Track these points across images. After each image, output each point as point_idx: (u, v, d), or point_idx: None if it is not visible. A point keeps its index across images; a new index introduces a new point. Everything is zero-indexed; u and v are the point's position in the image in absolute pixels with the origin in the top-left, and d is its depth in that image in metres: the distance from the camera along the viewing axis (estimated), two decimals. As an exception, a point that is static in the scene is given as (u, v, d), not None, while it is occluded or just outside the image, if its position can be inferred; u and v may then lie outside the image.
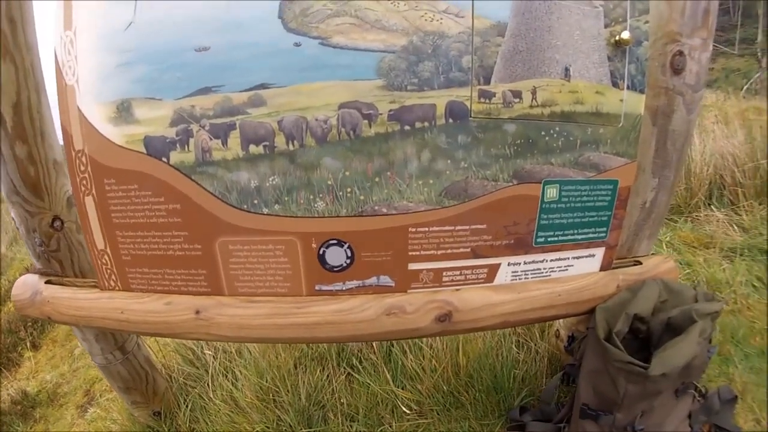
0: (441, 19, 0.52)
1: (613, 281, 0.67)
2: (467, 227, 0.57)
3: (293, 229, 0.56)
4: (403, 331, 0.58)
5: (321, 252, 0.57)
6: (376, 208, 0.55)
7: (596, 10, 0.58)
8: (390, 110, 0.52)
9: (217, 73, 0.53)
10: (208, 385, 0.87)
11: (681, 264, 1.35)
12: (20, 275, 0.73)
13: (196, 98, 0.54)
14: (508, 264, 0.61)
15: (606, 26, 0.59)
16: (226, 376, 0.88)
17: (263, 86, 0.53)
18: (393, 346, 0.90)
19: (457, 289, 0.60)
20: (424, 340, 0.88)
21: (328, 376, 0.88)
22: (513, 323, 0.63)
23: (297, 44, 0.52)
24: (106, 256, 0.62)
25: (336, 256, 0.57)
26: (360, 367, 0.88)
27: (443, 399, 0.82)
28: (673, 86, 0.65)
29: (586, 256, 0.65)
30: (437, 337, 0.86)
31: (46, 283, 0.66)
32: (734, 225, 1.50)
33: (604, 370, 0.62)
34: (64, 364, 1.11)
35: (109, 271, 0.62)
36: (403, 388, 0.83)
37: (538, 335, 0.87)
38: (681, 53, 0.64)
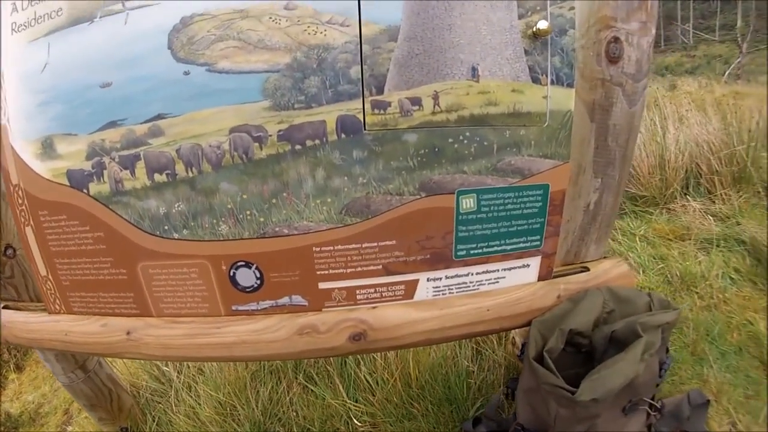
0: (325, 30, 0.50)
1: (553, 291, 0.62)
2: (375, 244, 0.55)
3: (203, 253, 0.57)
4: (318, 350, 0.58)
5: (231, 273, 0.58)
6: (277, 229, 0.54)
7: (507, 0, 0.53)
8: (279, 131, 0.51)
9: (120, 107, 0.56)
10: (172, 400, 0.92)
11: (654, 258, 1.25)
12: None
13: (105, 132, 0.57)
14: (428, 279, 0.59)
15: (520, 17, 0.54)
16: (189, 392, 0.92)
17: (160, 117, 0.54)
18: (348, 357, 0.89)
19: (374, 307, 0.59)
20: (378, 352, 0.87)
21: (284, 388, 0.89)
22: (437, 340, 0.60)
23: (186, 73, 0.52)
24: (49, 282, 0.67)
25: (246, 277, 0.58)
26: (316, 378, 0.89)
27: (395, 411, 0.81)
28: (611, 77, 0.59)
29: (520, 267, 0.61)
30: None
31: (3, 308, 0.72)
32: (710, 215, 1.37)
33: (538, 390, 0.58)
34: (45, 385, 1.22)
35: (53, 295, 0.67)
36: (356, 401, 0.83)
37: (495, 343, 0.83)
38: (617, 40, 0.58)
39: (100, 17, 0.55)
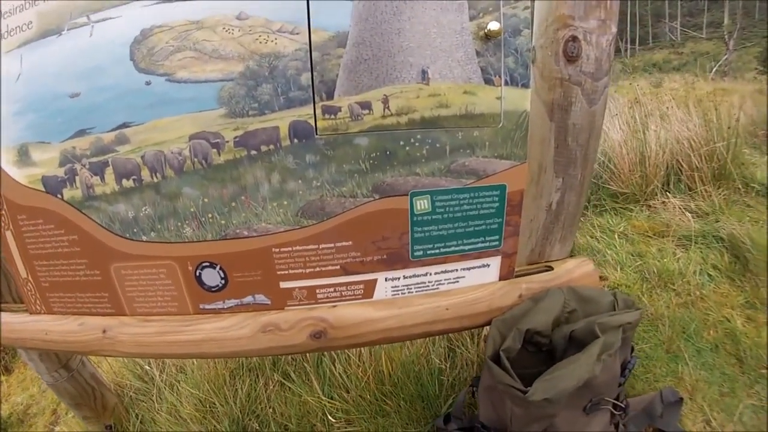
0: (275, 39, 0.55)
1: (514, 291, 0.67)
2: (332, 245, 0.61)
3: (169, 254, 0.64)
4: (281, 347, 0.65)
5: (197, 274, 0.65)
6: (238, 231, 0.61)
7: (458, 2, 0.58)
8: (235, 137, 0.57)
9: (88, 116, 0.62)
10: (154, 398, 1.00)
11: (633, 255, 1.29)
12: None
13: (75, 140, 0.64)
14: (386, 279, 0.64)
15: (472, 18, 0.59)
16: (171, 390, 1.01)
17: (125, 125, 0.61)
18: (324, 354, 0.96)
19: (334, 306, 0.65)
20: (353, 350, 0.93)
21: (262, 385, 0.97)
22: (396, 339, 0.66)
23: (148, 83, 0.59)
24: (29, 284, 0.75)
25: (211, 277, 0.65)
26: (293, 376, 0.96)
27: (369, 407, 0.87)
28: (569, 76, 0.63)
29: (479, 267, 0.66)
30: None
31: None
32: (690, 212, 1.40)
33: (496, 388, 0.63)
34: (33, 386, 1.33)
35: (33, 296, 0.75)
36: (331, 398, 0.90)
37: (468, 340, 0.89)
38: (575, 38, 0.62)
39: (68, 30, 0.62)
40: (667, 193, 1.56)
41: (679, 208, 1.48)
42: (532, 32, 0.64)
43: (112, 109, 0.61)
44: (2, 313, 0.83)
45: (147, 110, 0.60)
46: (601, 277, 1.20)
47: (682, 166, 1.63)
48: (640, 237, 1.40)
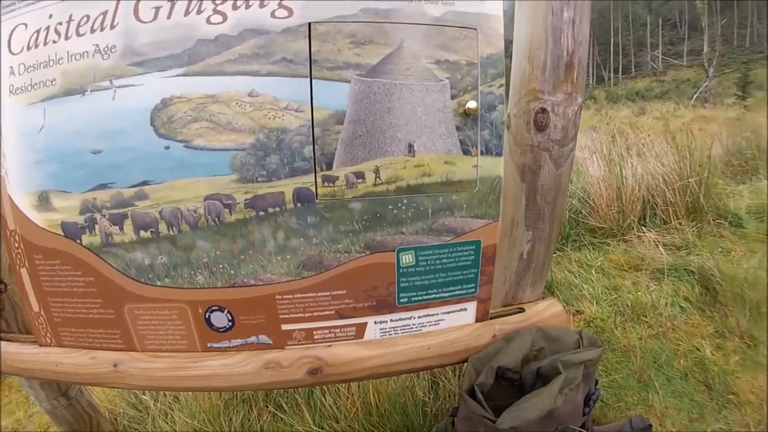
0: (282, 115, 0.67)
1: (489, 331, 0.80)
2: (328, 293, 0.73)
3: (182, 298, 0.75)
4: (281, 382, 0.76)
5: (207, 316, 0.76)
6: (245, 280, 0.72)
7: (441, 83, 0.71)
8: (245, 199, 0.69)
9: (109, 172, 0.73)
10: (149, 427, 1.10)
11: (608, 289, 1.45)
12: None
13: (96, 192, 0.74)
14: (375, 322, 0.76)
15: (453, 97, 0.71)
16: (165, 419, 1.11)
17: (145, 183, 0.72)
18: (315, 386, 1.07)
19: (329, 345, 0.76)
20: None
21: (255, 416, 1.08)
22: (383, 374, 0.78)
23: (167, 147, 0.70)
24: (41, 317, 0.85)
25: (219, 319, 0.76)
26: (285, 407, 1.07)
27: (358, 438, 0.98)
28: (538, 143, 0.76)
29: (458, 311, 0.79)
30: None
31: None
32: (664, 245, 1.58)
33: (471, 418, 0.76)
34: (19, 410, 1.41)
35: (44, 329, 0.85)
36: (322, 428, 1.01)
37: (451, 374, 1.01)
38: (544, 110, 0.75)
39: (91, 91, 0.73)
40: (643, 227, 1.74)
41: (654, 242, 1.65)
42: (506, 103, 0.77)
43: (133, 168, 0.72)
44: (11, 343, 0.92)
45: (166, 172, 0.71)
46: (577, 311, 1.34)
47: (657, 200, 1.81)
48: (616, 271, 1.56)
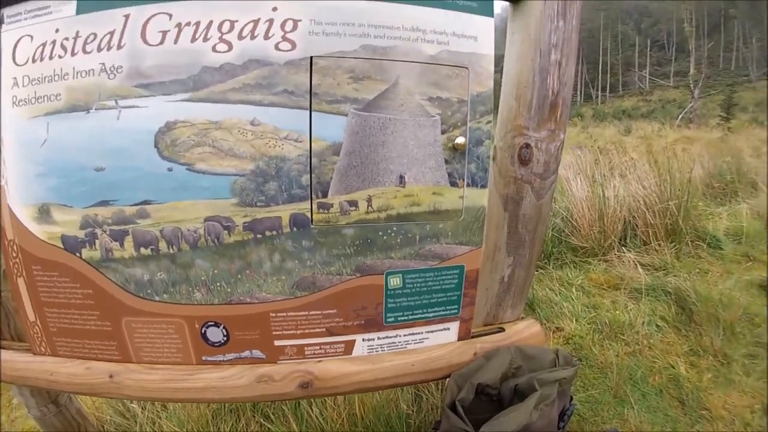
0: (282, 145, 0.72)
1: (470, 349, 0.86)
2: (319, 312, 0.78)
3: (179, 314, 0.79)
4: (273, 395, 0.81)
5: (203, 331, 0.80)
6: (241, 298, 0.77)
7: (433, 119, 0.76)
8: (244, 222, 0.73)
9: (111, 190, 0.76)
10: None
11: (588, 307, 1.53)
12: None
13: (97, 208, 0.78)
14: (363, 339, 0.82)
15: (444, 132, 0.77)
16: (153, 426, 1.14)
17: (146, 202, 0.75)
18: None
19: (319, 361, 0.81)
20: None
21: (243, 426, 1.12)
22: (370, 388, 0.84)
23: (170, 169, 0.74)
24: (36, 327, 0.88)
25: (215, 334, 0.80)
26: (272, 417, 1.11)
27: (343, 448, 1.04)
28: (521, 176, 0.82)
29: (441, 330, 0.85)
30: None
31: None
32: (643, 266, 1.68)
33: (452, 431, 0.82)
34: (2, 415, 1.41)
35: (39, 339, 0.88)
36: (308, 438, 1.05)
37: (434, 388, 1.07)
38: (528, 146, 0.81)
39: (96, 109, 0.76)
40: (624, 248, 1.85)
41: (634, 262, 1.75)
42: (493, 138, 0.83)
43: (136, 187, 0.76)
44: (5, 351, 0.94)
45: (168, 192, 0.75)
46: (557, 328, 1.42)
47: (638, 222, 1.93)
48: (596, 289, 1.66)
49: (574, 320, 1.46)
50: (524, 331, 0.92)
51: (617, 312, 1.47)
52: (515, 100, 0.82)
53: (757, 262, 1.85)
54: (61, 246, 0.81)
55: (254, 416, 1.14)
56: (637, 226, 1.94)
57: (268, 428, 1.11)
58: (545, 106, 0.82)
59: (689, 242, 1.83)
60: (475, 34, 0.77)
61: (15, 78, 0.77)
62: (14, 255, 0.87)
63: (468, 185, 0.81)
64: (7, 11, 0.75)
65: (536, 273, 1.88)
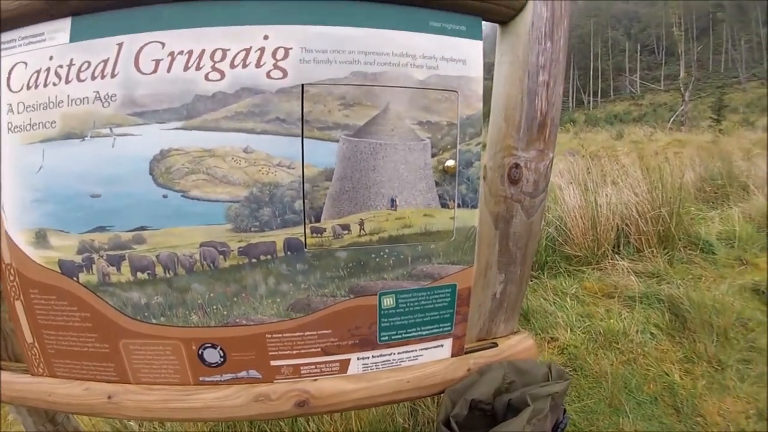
0: (275, 171, 0.74)
1: (464, 365, 0.88)
2: (315, 333, 0.80)
3: (176, 336, 0.81)
4: (269, 414, 0.83)
5: (200, 352, 0.82)
6: (237, 320, 0.79)
7: (423, 143, 0.78)
8: (239, 247, 0.76)
9: (108, 216, 0.78)
10: None
11: (582, 317, 1.57)
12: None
13: (94, 234, 0.79)
14: (358, 358, 0.84)
15: (434, 155, 0.79)
16: None
17: (143, 228, 0.77)
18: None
19: (315, 380, 0.84)
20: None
21: None
22: (365, 406, 0.86)
23: (165, 196, 0.76)
24: (34, 349, 0.90)
25: (212, 355, 0.82)
26: (270, 430, 1.14)
27: (341, 461, 1.06)
28: (511, 195, 0.85)
29: (435, 347, 0.88)
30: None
31: None
32: (636, 273, 1.73)
33: (445, 446, 0.84)
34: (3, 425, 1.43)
35: (37, 360, 0.90)
36: (306, 453, 1.08)
37: (430, 401, 1.09)
38: (517, 165, 0.84)
39: (91, 137, 0.78)
40: (617, 256, 1.90)
41: (627, 270, 1.79)
42: (482, 159, 0.85)
43: (132, 213, 0.78)
44: (3, 371, 0.96)
45: (163, 219, 0.77)
46: (552, 338, 1.45)
47: (630, 229, 1.97)
48: (590, 298, 1.70)
49: (568, 330, 1.50)
50: (517, 345, 0.94)
51: (611, 320, 1.50)
52: (504, 121, 0.84)
53: (750, 266, 1.89)
54: (59, 270, 0.83)
55: (251, 431, 1.16)
56: (630, 233, 2.00)
57: (267, 444, 1.13)
58: (534, 127, 0.84)
59: (682, 248, 1.89)
60: (463, 58, 0.80)
61: (10, 104, 0.78)
62: (11, 278, 0.88)
63: (459, 206, 0.83)
64: (3, 37, 0.77)
65: (531, 283, 1.93)
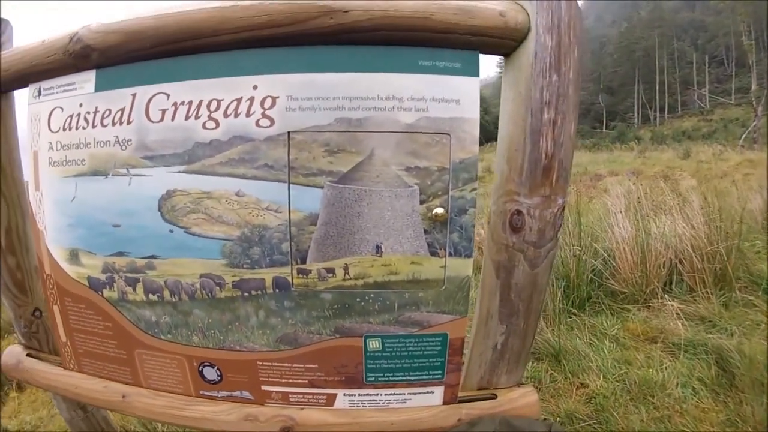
0: (264, 214, 1.21)
1: (455, 414, 1.32)
2: (302, 365, 1.30)
3: (180, 352, 1.39)
4: (260, 433, 1.38)
5: (200, 369, 1.39)
6: (232, 345, 1.32)
7: (410, 189, 1.18)
8: (233, 281, 1.26)
9: (125, 243, 1.35)
10: None
11: (619, 363, 1.83)
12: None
13: (114, 258, 1.38)
14: (344, 394, 1.33)
15: (423, 202, 1.18)
16: None
17: (153, 257, 1.33)
18: None
19: (302, 409, 1.35)
20: None
21: None
22: (347, 440, 1.35)
23: (171, 231, 1.29)
24: (67, 347, 1.57)
25: (210, 373, 1.38)
26: None
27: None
28: (513, 243, 1.21)
29: (425, 393, 1.32)
30: None
31: (27, 355, 1.67)
32: (686, 316, 1.88)
33: (425, 490, 1.31)
34: (43, 409, 2.31)
35: (69, 357, 1.57)
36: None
37: None
38: (519, 212, 1.19)
39: (112, 175, 1.33)
40: (667, 295, 2.08)
41: (676, 312, 1.99)
42: (476, 206, 1.20)
43: (144, 243, 1.33)
44: (40, 362, 1.68)
45: (170, 250, 1.31)
46: (582, 384, 1.74)
47: (683, 265, 2.13)
48: (631, 341, 1.96)
49: (601, 377, 1.78)
50: (518, 399, 1.33)
51: (650, 370, 1.75)
52: (506, 163, 1.17)
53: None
54: (87, 285, 1.45)
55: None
56: (683, 270, 2.18)
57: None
58: (537, 171, 1.15)
59: (741, 288, 2.01)
60: (457, 97, 1.13)
61: (50, 143, 1.38)
62: (51, 287, 1.55)
63: (450, 255, 1.21)
64: (44, 84, 1.35)
65: (568, 320, 2.22)
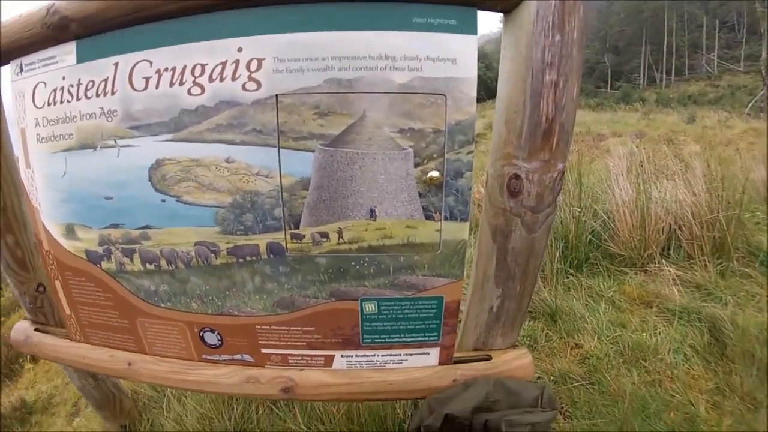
0: (255, 180, 1.20)
1: (450, 375, 1.34)
2: (299, 328, 1.32)
3: (181, 319, 1.40)
4: (259, 395, 1.42)
5: (201, 334, 1.41)
6: (230, 310, 1.33)
7: (404, 151, 1.15)
8: (227, 248, 1.26)
9: (119, 215, 1.34)
10: (164, 407, 1.91)
11: (613, 325, 1.85)
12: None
13: (110, 230, 1.37)
14: (342, 355, 1.35)
15: (418, 165, 1.16)
16: (179, 402, 1.90)
17: (148, 227, 1.32)
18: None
19: (301, 370, 1.38)
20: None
21: (254, 408, 1.81)
22: (346, 400, 1.40)
23: (163, 200, 1.28)
24: (72, 319, 1.58)
25: (211, 338, 1.40)
26: (282, 404, 1.78)
27: (338, 440, 1.69)
28: (510, 208, 1.19)
29: (420, 354, 1.33)
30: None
31: (35, 330, 1.69)
32: (682, 282, 1.90)
33: (423, 446, 1.34)
34: (58, 378, 2.37)
35: (74, 329, 1.60)
36: (309, 427, 1.71)
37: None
38: (517, 176, 1.17)
39: (100, 148, 1.31)
40: (665, 260, 2.10)
41: (673, 278, 2.01)
42: (473, 169, 1.17)
43: (138, 214, 1.32)
44: (48, 335, 1.71)
45: (164, 220, 1.29)
46: (576, 345, 1.77)
47: (683, 232, 2.13)
48: (627, 304, 1.98)
49: (595, 338, 1.82)
50: (512, 361, 1.34)
51: (644, 334, 1.79)
52: (504, 125, 1.13)
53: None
54: (86, 258, 1.45)
55: (264, 402, 1.83)
56: (682, 237, 2.19)
57: (276, 413, 1.79)
58: (537, 134, 1.11)
59: (739, 259, 2.04)
60: (453, 57, 1.09)
61: (36, 119, 1.35)
62: (51, 262, 1.55)
63: (446, 219, 1.19)
64: (25, 60, 1.30)
65: (565, 281, 2.25)
